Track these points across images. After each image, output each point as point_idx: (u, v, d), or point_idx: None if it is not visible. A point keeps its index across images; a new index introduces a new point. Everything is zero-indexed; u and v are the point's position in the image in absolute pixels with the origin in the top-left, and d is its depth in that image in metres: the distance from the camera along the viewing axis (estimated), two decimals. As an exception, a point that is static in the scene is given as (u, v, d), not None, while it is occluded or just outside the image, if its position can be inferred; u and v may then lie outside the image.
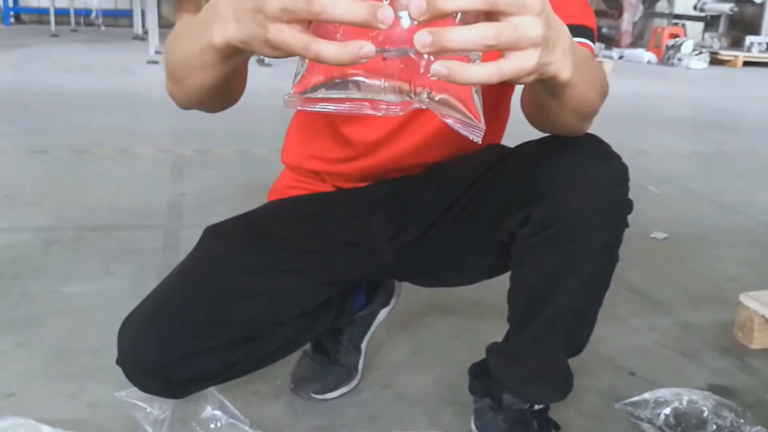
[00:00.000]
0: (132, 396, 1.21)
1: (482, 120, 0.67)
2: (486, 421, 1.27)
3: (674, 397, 1.37)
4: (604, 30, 10.88)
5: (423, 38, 0.59)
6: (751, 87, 7.80)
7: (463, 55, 0.63)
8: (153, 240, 2.23)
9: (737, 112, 5.70)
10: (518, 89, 0.99)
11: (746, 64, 9.83)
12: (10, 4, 10.92)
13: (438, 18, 0.60)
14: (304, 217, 1.27)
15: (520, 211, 1.05)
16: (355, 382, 1.45)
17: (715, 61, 9.76)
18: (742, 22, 10.87)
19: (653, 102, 6.02)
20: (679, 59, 9.38)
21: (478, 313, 1.78)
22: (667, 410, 1.35)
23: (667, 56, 9.56)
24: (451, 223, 1.18)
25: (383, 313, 1.51)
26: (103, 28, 10.17)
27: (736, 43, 10.55)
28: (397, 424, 1.34)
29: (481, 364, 1.29)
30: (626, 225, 1.07)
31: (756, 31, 10.58)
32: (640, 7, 11.21)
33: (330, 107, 0.66)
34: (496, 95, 1.21)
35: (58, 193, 2.66)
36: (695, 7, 10.92)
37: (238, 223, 1.28)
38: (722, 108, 5.87)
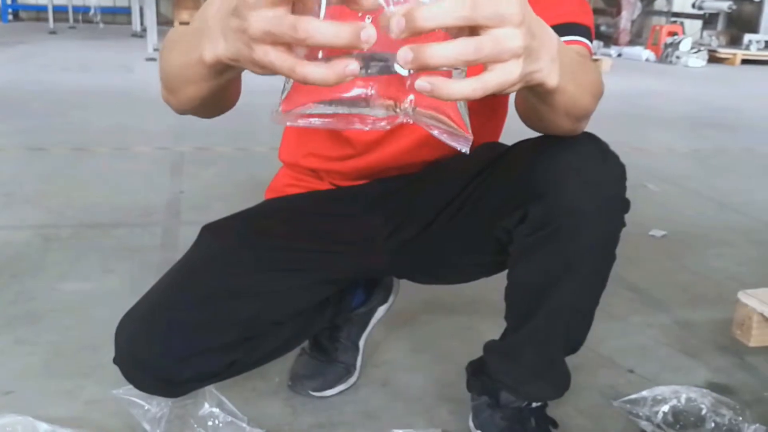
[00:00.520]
0: (130, 393, 1.21)
1: (469, 131, 0.67)
2: (484, 419, 1.27)
3: (673, 395, 1.38)
4: (603, 28, 10.88)
5: (405, 55, 0.59)
6: (749, 85, 7.80)
7: (446, 70, 0.64)
8: (151, 237, 2.23)
9: (735, 110, 5.71)
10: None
11: (744, 62, 9.84)
12: (8, 1, 10.91)
13: (418, 35, 0.60)
14: (302, 215, 1.27)
15: (517, 210, 1.05)
16: (353, 379, 1.45)
17: (714, 59, 9.77)
18: (741, 20, 10.88)
19: (651, 100, 6.03)
20: (678, 57, 9.38)
21: (476, 310, 1.78)
22: (666, 408, 1.35)
23: (665, 54, 9.56)
24: (448, 221, 1.18)
25: (381, 311, 1.51)
26: (101, 25, 10.18)
27: (735, 41, 10.56)
28: (395, 421, 1.34)
29: (478, 362, 1.29)
30: (623, 224, 1.07)
31: (754, 29, 10.59)
32: (639, 4, 11.21)
33: (317, 122, 0.66)
34: (492, 95, 1.20)
35: (56, 191, 2.65)
36: (694, 5, 10.93)
37: (235, 221, 1.27)
38: (720, 106, 5.87)
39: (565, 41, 1.01)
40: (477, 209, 1.14)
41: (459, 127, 0.67)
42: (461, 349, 1.58)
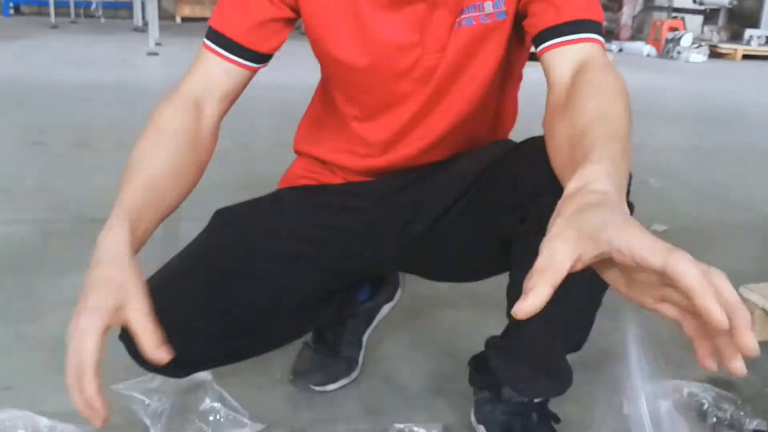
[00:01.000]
0: (130, 388, 1.21)
1: None
2: (486, 414, 1.26)
3: (674, 390, 1.37)
4: (604, 23, 10.86)
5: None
6: (750, 80, 7.79)
7: None
8: (152, 232, 2.22)
9: (736, 106, 5.70)
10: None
11: (745, 57, 9.83)
12: (9, -5, 10.91)
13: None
14: (313, 207, 1.27)
15: (521, 208, 1.05)
16: (354, 374, 1.45)
17: (715, 54, 9.76)
18: (742, 15, 10.87)
19: (653, 95, 6.01)
20: (679, 52, 9.37)
21: (478, 306, 1.78)
22: (668, 403, 1.35)
23: (666, 49, 9.55)
24: (456, 218, 1.18)
25: (386, 308, 1.51)
26: (102, 19, 10.17)
27: (736, 37, 10.55)
28: (397, 416, 1.34)
29: (480, 357, 1.29)
30: None
31: (755, 24, 10.58)
32: (640, 0, 11.20)
33: None
34: (500, 92, 1.20)
35: (56, 186, 2.65)
36: (695, 1, 10.91)
37: (247, 207, 1.28)
38: (722, 101, 5.86)
39: (578, 39, 1.02)
40: (484, 206, 1.14)
41: None
42: (462, 344, 1.57)
